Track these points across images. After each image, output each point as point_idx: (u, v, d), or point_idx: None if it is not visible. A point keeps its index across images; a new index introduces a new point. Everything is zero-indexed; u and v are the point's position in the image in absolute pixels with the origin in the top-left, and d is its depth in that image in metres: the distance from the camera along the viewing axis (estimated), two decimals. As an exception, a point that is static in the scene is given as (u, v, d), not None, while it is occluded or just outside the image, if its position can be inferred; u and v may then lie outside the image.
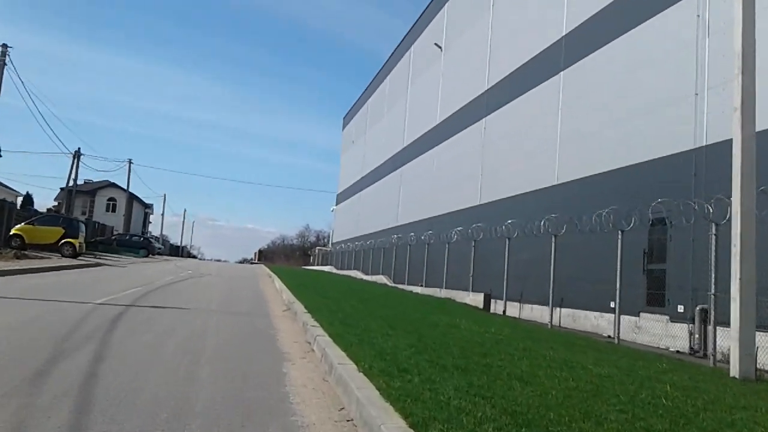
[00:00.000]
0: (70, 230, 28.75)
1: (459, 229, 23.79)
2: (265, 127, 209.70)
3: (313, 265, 63.72)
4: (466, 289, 21.98)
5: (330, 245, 73.89)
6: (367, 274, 36.69)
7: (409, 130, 38.11)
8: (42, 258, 25.24)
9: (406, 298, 18.71)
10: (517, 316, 18.50)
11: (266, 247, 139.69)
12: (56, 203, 77.59)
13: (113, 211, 78.18)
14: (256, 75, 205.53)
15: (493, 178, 24.82)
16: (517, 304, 19.49)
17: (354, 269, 41.00)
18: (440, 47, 33.43)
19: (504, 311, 18.75)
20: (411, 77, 39.27)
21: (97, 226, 52.02)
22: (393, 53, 45.44)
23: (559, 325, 16.37)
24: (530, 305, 19.56)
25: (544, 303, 18.84)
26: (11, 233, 27.96)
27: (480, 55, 27.60)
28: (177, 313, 11.32)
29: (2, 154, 54.81)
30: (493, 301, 19.42)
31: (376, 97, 49.58)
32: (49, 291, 13.99)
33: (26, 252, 25.77)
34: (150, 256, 49.08)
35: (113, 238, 48.44)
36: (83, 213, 79.22)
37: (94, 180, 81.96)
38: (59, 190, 68.62)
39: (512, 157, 23.33)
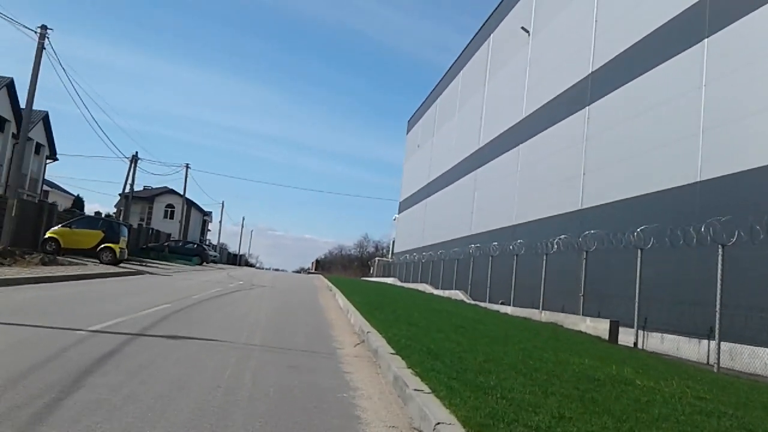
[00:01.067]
0: (110, 234, 25.71)
1: (563, 237, 19.38)
2: (324, 140, 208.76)
3: (373, 276, 59.82)
4: (573, 312, 17.56)
5: (391, 256, 69.94)
6: (437, 288, 32.50)
7: (487, 128, 33.84)
8: (75, 264, 22.24)
9: (507, 324, 14.49)
10: (656, 350, 14.03)
11: (323, 257, 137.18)
12: (116, 210, 76.66)
13: (171, 217, 76.58)
14: (313, 86, 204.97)
15: (599, 177, 20.37)
16: (643, 332, 15.02)
17: (421, 282, 36.86)
18: (527, 31, 29.14)
19: (635, 343, 14.29)
20: (489, 69, 35.04)
21: (151, 232, 49.83)
22: (467, 46, 41.37)
23: (718, 364, 11.86)
24: (659, 334, 15.07)
25: (683, 332, 14.38)
26: (46, 236, 25.18)
27: (581, 34, 23.21)
28: (198, 350, 7.52)
29: (58, 157, 53.68)
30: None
31: (446, 96, 45.50)
32: (45, 308, 10.51)
33: (59, 257, 22.84)
34: (204, 264, 46.34)
35: (165, 244, 45.91)
36: (141, 219, 78.04)
37: (153, 186, 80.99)
38: (118, 197, 67.49)
39: (627, 151, 18.84)
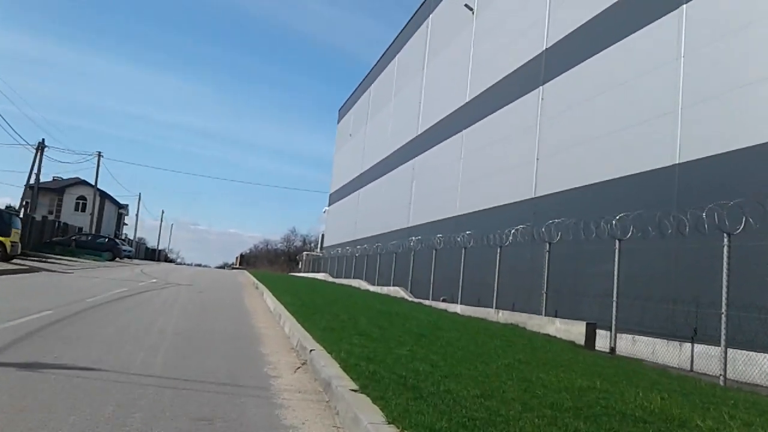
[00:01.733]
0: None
1: (520, 227, 17.50)
2: (250, 134, 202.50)
3: (303, 271, 56.99)
4: (534, 311, 15.67)
5: (320, 250, 67.14)
6: (374, 284, 30.24)
7: (426, 114, 31.82)
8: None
9: (468, 329, 12.37)
10: (636, 355, 12.29)
11: (249, 251, 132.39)
12: (25, 202, 70.64)
13: (83, 210, 70.66)
14: (241, 80, 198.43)
15: (554, 164, 18.67)
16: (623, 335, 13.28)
17: (355, 278, 34.49)
18: (471, 9, 27.25)
19: (613, 349, 12.49)
20: (428, 52, 33.02)
21: (58, 225, 45.06)
22: (403, 29, 39.23)
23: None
24: (632, 336, 13.39)
25: (660, 334, 12.76)
26: None
27: (534, 7, 21.46)
28: (60, 389, 4.90)
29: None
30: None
31: (381, 82, 43.26)
32: None
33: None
34: (116, 260, 42.22)
35: (73, 238, 41.41)
36: (50, 212, 71.80)
37: (64, 177, 74.77)
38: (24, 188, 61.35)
39: (587, 134, 17.18)
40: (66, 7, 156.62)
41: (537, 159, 19.85)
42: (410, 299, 23.02)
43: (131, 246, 66.05)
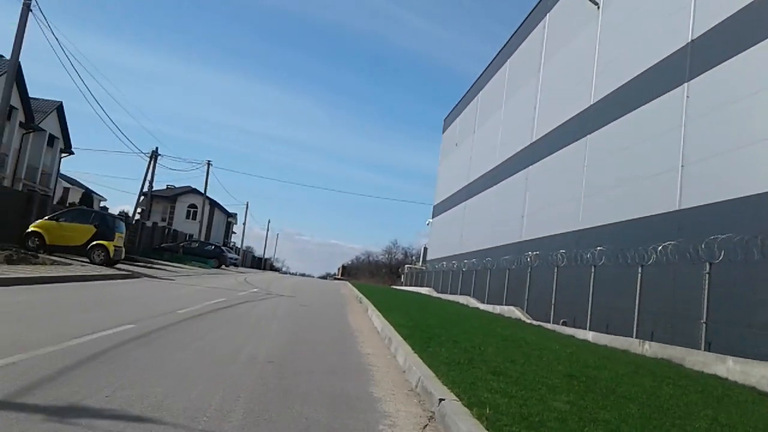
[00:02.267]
0: (103, 229, 21.72)
1: (669, 244, 14.82)
2: (352, 148, 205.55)
3: (405, 285, 55.39)
4: (687, 343, 12.90)
5: (422, 263, 65.44)
6: (483, 301, 28.02)
7: (543, 119, 29.33)
8: (57, 264, 18.41)
9: (614, 363, 10.01)
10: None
11: (350, 262, 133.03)
12: (141, 209, 74.25)
13: (194, 218, 72.93)
14: (340, 94, 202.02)
15: (707, 168, 15.81)
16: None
17: (462, 294, 32.39)
18: (597, 3, 24.68)
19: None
20: (545, 52, 30.56)
21: (168, 231, 46.20)
22: (515, 33, 36.92)
23: None
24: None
25: None
26: (29, 230, 21.38)
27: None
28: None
29: (74, 151, 50.38)
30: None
31: (490, 88, 41.08)
32: None
33: (39, 255, 19.03)
34: (222, 267, 42.52)
35: (181, 245, 42.13)
36: (163, 219, 74.84)
37: (177, 186, 77.80)
38: (138, 196, 64.25)
39: (750, 135, 14.26)
40: (173, 20, 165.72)
41: (681, 166, 17.04)
42: (528, 321, 20.68)
43: (237, 254, 67.25)
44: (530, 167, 29.91)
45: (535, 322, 20.03)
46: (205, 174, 56.90)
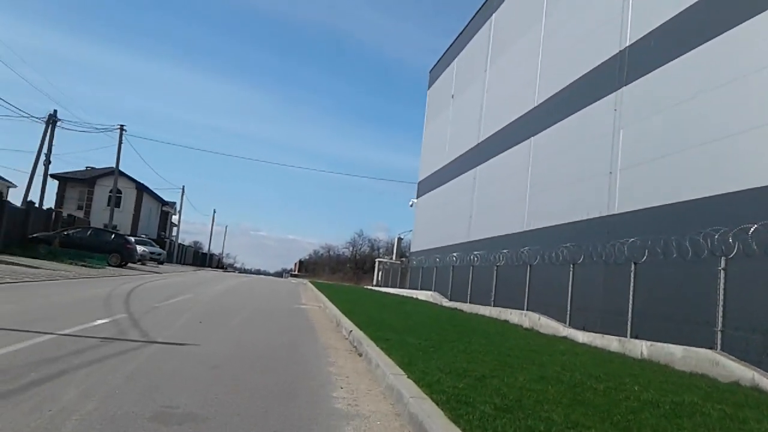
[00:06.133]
0: None
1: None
2: (308, 142, 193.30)
3: (382, 285, 43.32)
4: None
5: (394, 257, 53.54)
6: (569, 324, 16.38)
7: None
8: None
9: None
10: None
11: (308, 257, 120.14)
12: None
13: (117, 205, 58.18)
14: (299, 88, 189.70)
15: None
16: None
17: (506, 307, 20.20)
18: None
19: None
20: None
21: (54, 216, 32.92)
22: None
23: None
24: None
25: None
26: None
27: None
28: None
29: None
30: None
31: (500, 16, 29.15)
32: None
33: None
34: (124, 264, 29.57)
35: (64, 233, 28.95)
36: (79, 207, 61.08)
37: (97, 167, 63.88)
38: (51, 178, 50.48)
39: None
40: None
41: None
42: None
43: (164, 248, 54.07)
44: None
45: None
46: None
